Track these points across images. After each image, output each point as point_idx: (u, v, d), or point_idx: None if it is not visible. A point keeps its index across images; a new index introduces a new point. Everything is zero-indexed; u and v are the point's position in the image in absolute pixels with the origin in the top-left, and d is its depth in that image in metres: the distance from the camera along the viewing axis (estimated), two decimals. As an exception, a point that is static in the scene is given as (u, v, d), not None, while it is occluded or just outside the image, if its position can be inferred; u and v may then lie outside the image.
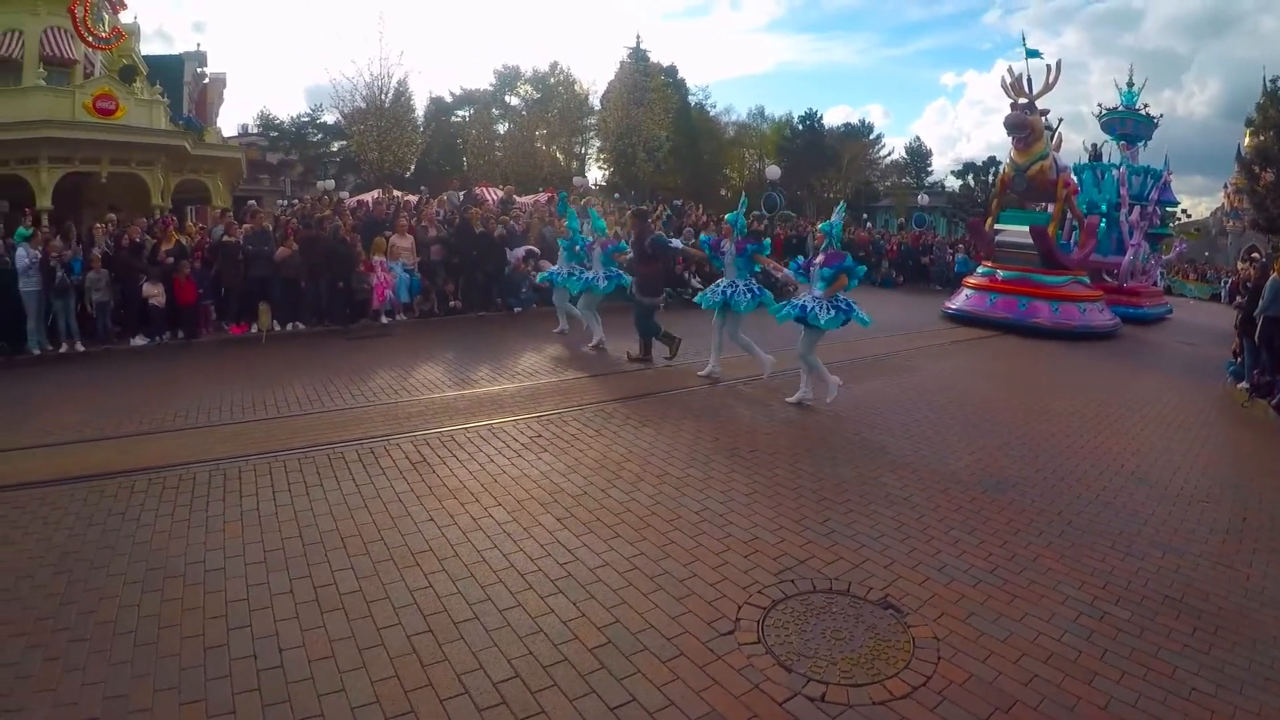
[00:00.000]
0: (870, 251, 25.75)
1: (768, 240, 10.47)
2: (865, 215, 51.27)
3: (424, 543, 5.19)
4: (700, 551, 5.00)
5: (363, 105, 35.74)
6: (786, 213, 26.40)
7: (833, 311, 8.48)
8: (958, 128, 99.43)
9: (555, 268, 12.57)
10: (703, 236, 12.53)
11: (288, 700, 3.55)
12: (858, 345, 12.60)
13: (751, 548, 5.09)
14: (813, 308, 8.54)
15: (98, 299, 12.00)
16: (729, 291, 9.53)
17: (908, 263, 25.43)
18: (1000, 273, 17.49)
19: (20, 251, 11.41)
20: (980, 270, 18.46)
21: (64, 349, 11.79)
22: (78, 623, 4.24)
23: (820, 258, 8.79)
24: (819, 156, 56.87)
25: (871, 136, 62.50)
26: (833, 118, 70.45)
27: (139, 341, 12.23)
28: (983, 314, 16.82)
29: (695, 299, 10.66)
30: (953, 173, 63.62)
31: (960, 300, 17.88)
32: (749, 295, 9.47)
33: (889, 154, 64.06)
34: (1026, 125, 16.65)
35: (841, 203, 10.28)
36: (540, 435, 7.55)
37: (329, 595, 4.49)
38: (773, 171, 26.29)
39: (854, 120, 66.64)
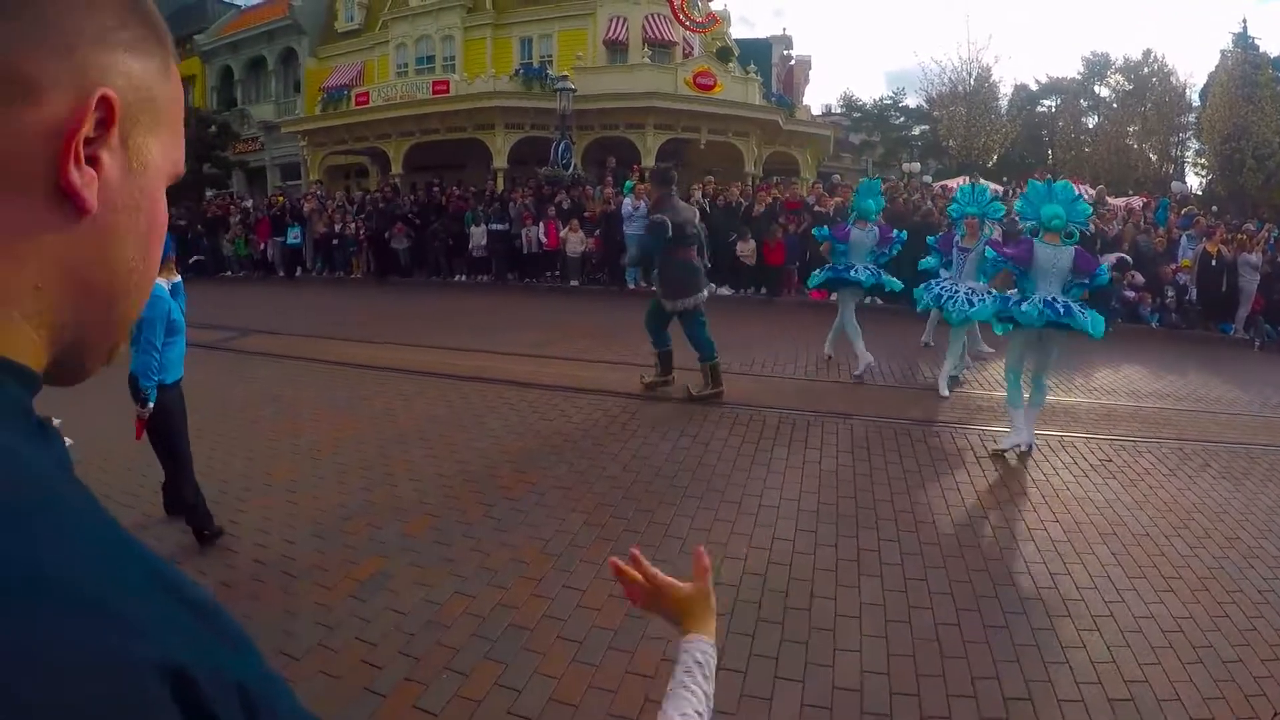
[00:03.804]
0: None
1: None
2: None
3: (974, 537, 5.15)
4: (1253, 636, 4.34)
5: (946, 90, 35.95)
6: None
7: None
8: None
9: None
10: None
11: (805, 643, 3.87)
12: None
13: (1312, 649, 4.36)
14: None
15: (692, 249, 14.13)
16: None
17: None
18: None
19: (626, 201, 13.94)
20: None
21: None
22: (621, 505, 5.22)
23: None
24: None
25: None
26: None
27: (723, 291, 14.23)
28: None
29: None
30: None
31: None
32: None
33: None
34: None
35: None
36: (1111, 460, 6.97)
37: (870, 560, 4.70)
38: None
39: None
